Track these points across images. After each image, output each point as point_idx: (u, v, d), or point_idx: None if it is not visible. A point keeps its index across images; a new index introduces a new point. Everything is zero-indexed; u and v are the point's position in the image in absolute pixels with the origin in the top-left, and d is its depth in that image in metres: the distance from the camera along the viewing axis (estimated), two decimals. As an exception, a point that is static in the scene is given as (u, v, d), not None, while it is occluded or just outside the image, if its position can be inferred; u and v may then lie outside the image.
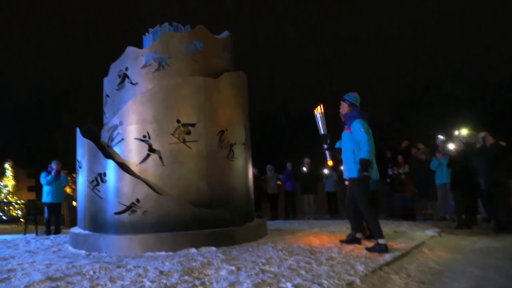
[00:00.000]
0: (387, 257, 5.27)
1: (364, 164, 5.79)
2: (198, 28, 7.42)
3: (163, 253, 5.94)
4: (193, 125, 6.81)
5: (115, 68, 7.48)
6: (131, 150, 6.78)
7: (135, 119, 6.81)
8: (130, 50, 7.33)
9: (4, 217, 14.81)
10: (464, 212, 9.50)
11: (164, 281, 4.20)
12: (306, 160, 13.96)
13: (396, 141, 14.31)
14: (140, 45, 7.75)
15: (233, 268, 4.75)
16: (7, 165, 22.36)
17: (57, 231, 10.73)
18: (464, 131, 11.24)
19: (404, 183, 11.99)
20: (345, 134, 6.19)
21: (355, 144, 5.98)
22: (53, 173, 10.92)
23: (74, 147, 7.55)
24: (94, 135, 7.25)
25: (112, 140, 6.93)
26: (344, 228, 8.15)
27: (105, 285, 4.17)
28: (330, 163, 6.58)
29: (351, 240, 6.36)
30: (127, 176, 6.58)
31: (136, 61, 7.22)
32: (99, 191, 6.82)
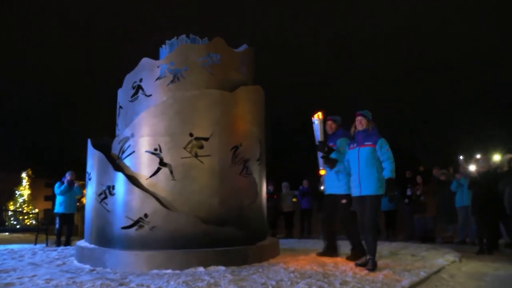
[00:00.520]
0: (405, 283, 5.01)
1: (393, 183, 5.92)
2: (215, 40, 7.28)
3: (169, 271, 5.72)
4: (206, 139, 6.62)
5: (129, 80, 7.36)
6: (142, 163, 6.61)
7: (147, 131, 6.65)
8: (145, 61, 7.20)
9: (18, 226, 14.76)
10: (486, 237, 9.14)
11: (166, 303, 3.98)
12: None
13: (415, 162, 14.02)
14: (157, 58, 7.64)
15: (240, 290, 4.53)
16: (24, 174, 22.47)
17: (67, 243, 10.61)
18: (497, 157, 10.84)
19: (424, 204, 11.66)
20: (364, 150, 6.05)
21: (378, 161, 6.01)
22: (66, 183, 10.85)
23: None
24: (106, 148, 7.12)
25: (123, 152, 6.78)
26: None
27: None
28: (323, 172, 6.35)
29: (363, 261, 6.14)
30: (136, 190, 6.40)
31: (151, 73, 7.08)
32: (107, 204, 6.66)
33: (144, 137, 6.65)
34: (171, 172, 6.48)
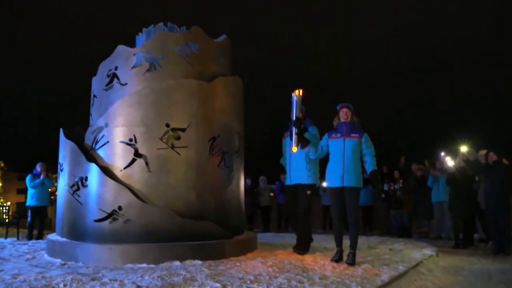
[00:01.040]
0: (384, 277, 4.97)
1: (378, 176, 6.08)
2: (193, 29, 7.09)
3: (144, 265, 5.54)
4: (183, 130, 6.45)
5: (104, 67, 7.12)
6: (116, 154, 6.40)
7: (122, 121, 6.44)
8: (121, 48, 6.97)
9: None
10: (461, 232, 9.21)
11: (140, 298, 3.82)
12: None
13: (394, 155, 14.02)
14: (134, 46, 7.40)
15: (218, 285, 4.40)
16: (-5, 167, 21.97)
17: (40, 236, 10.30)
18: (463, 148, 10.90)
19: (400, 200, 11.69)
20: (350, 141, 6.00)
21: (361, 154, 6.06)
22: (41, 176, 10.51)
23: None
24: (79, 138, 6.88)
25: (97, 142, 6.56)
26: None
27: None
28: (295, 149, 6.23)
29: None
30: (110, 182, 6.19)
31: (126, 61, 6.86)
32: (79, 196, 6.43)
33: (118, 127, 6.44)
34: (147, 163, 6.29)
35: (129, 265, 5.56)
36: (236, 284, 4.44)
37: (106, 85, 7.00)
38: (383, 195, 12.51)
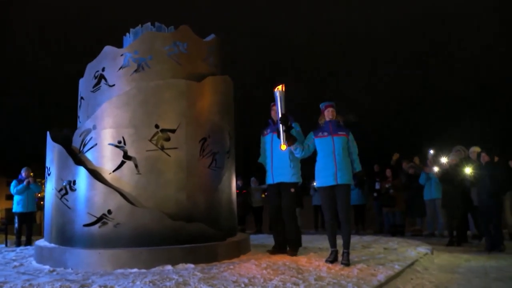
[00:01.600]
0: (381, 277, 4.89)
1: (364, 177, 5.75)
2: (181, 28, 6.96)
3: (135, 270, 5.41)
4: (173, 131, 6.32)
5: (91, 69, 6.97)
6: (105, 156, 6.26)
7: (110, 123, 6.30)
8: (108, 49, 6.83)
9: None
10: (455, 229, 9.18)
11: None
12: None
13: (385, 153, 13.99)
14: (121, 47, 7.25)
15: (211, 289, 4.28)
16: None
17: (28, 242, 10.11)
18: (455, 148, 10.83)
19: (392, 198, 11.66)
20: (339, 139, 5.96)
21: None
22: (25, 182, 10.32)
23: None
24: (66, 141, 6.72)
25: (85, 145, 6.41)
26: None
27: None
28: (284, 147, 6.10)
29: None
30: (98, 185, 6.05)
31: (114, 61, 6.72)
32: (67, 200, 6.28)
33: (106, 129, 6.30)
34: (136, 165, 6.15)
35: (120, 270, 5.42)
36: (230, 287, 4.34)
37: (94, 86, 6.85)
38: (375, 194, 12.50)
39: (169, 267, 5.52)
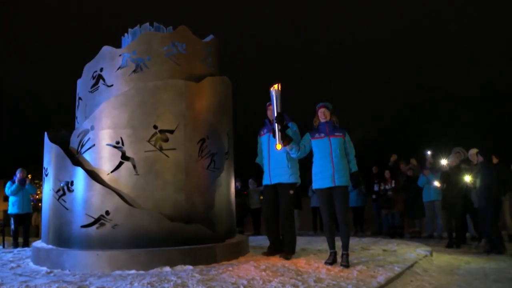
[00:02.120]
0: (380, 279, 4.86)
1: (360, 178, 5.98)
2: (180, 29, 6.93)
3: (133, 271, 5.37)
4: (171, 131, 6.29)
5: (89, 69, 6.94)
6: (103, 157, 6.22)
7: (108, 123, 6.27)
8: (106, 49, 6.80)
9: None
10: (454, 231, 9.16)
11: (130, 306, 3.65)
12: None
13: (384, 155, 13.98)
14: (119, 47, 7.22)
15: (210, 291, 4.24)
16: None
17: (26, 244, 10.07)
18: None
19: (391, 199, 11.63)
20: (336, 140, 5.91)
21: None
22: (16, 182, 10.28)
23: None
24: (64, 141, 6.68)
25: (83, 146, 6.38)
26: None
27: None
28: (279, 146, 6.04)
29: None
30: (96, 186, 6.01)
31: (112, 62, 6.69)
32: (65, 201, 6.24)
33: (104, 130, 6.27)
34: (134, 166, 6.12)
35: (118, 272, 5.38)
36: (229, 289, 4.31)
37: (92, 87, 6.82)
38: (374, 196, 12.48)
39: (167, 268, 5.48)
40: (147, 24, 7.15)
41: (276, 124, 5.95)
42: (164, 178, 6.19)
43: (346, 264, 5.61)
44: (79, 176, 6.15)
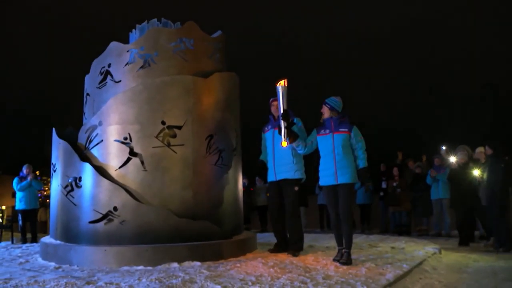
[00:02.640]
0: (389, 276, 4.82)
1: (368, 173, 5.84)
2: (188, 25, 6.90)
3: (141, 267, 5.36)
4: (179, 127, 6.27)
5: (97, 65, 6.94)
6: (110, 153, 6.21)
7: (116, 119, 6.25)
8: (114, 45, 6.79)
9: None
10: (464, 229, 9.10)
11: (138, 302, 3.64)
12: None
13: (391, 152, 13.93)
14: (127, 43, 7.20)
15: (218, 287, 4.24)
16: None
17: (34, 239, 10.12)
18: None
19: (399, 197, 11.58)
20: (339, 136, 5.79)
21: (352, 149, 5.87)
22: (29, 178, 10.31)
23: None
24: (72, 138, 6.68)
25: (90, 141, 6.36)
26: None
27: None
28: (285, 144, 5.98)
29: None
30: (104, 182, 6.00)
31: (120, 58, 6.67)
32: (73, 197, 6.24)
33: (112, 126, 6.25)
34: (142, 162, 6.10)
35: (125, 268, 5.38)
36: (237, 286, 4.28)
37: (99, 82, 6.81)
38: (381, 193, 12.43)
39: (175, 264, 5.46)
40: (155, 20, 7.13)
41: (282, 121, 5.90)
42: (171, 174, 6.18)
43: (345, 262, 5.53)
44: (87, 172, 6.14)
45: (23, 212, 10.37)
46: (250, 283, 4.38)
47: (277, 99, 6.04)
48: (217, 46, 7.20)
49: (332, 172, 5.76)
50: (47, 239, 6.80)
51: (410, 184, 11.65)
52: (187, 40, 6.76)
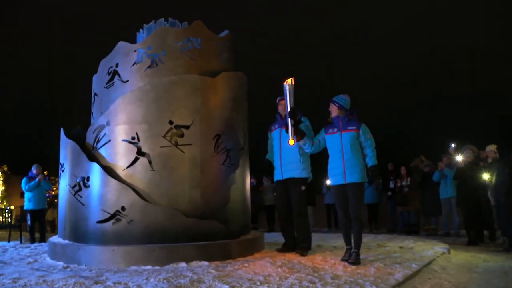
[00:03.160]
0: (398, 276, 4.79)
1: (378, 171, 5.79)
2: (195, 24, 6.89)
3: (149, 267, 5.36)
4: (187, 127, 6.26)
5: (104, 65, 6.95)
6: (118, 152, 6.21)
7: (124, 119, 6.26)
8: (121, 45, 6.79)
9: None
10: (472, 228, 9.04)
11: (146, 302, 3.63)
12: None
13: (399, 151, 13.86)
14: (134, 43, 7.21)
15: (226, 286, 4.23)
16: (-3, 171, 21.91)
17: (42, 239, 10.17)
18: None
19: (407, 196, 11.51)
20: (347, 135, 5.74)
21: (361, 147, 5.82)
22: (37, 179, 10.35)
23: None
24: (79, 138, 6.70)
25: (98, 141, 6.37)
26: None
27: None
28: (291, 142, 5.93)
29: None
30: (112, 181, 6.00)
31: (127, 57, 6.68)
32: (81, 196, 6.25)
33: (120, 125, 6.25)
34: (150, 162, 6.10)
35: (133, 267, 5.38)
36: (245, 286, 4.27)
37: (107, 82, 6.83)
38: (389, 193, 12.37)
39: (183, 264, 5.46)
40: (162, 19, 7.14)
41: (289, 119, 5.86)
42: (179, 173, 6.17)
43: (353, 262, 5.50)
44: (95, 172, 6.15)
45: (32, 212, 10.41)
46: (258, 283, 4.37)
47: (284, 98, 6.02)
48: (224, 45, 7.19)
49: (340, 171, 5.72)
50: (55, 238, 6.82)
51: (419, 183, 11.58)
52: (195, 39, 6.75)
